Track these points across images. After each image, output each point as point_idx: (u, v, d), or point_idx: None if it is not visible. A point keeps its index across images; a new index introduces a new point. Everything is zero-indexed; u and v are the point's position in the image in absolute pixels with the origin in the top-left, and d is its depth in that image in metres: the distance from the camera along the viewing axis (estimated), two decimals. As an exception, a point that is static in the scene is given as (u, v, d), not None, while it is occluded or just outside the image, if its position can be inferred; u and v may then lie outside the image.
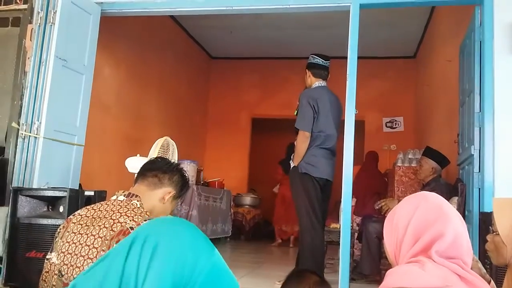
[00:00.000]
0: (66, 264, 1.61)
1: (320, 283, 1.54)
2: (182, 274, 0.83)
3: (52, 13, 3.78)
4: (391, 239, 1.28)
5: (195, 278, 0.83)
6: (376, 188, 6.13)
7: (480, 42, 3.48)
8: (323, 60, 4.02)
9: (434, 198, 1.28)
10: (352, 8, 3.69)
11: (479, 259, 1.64)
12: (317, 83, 3.98)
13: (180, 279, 0.82)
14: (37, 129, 3.65)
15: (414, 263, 1.16)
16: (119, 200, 1.77)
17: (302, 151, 3.79)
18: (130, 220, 1.64)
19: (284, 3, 3.87)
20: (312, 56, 4.05)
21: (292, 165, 3.88)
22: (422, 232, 1.21)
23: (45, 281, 1.65)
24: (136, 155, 4.17)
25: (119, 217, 1.65)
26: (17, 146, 3.72)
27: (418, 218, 1.23)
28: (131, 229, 1.60)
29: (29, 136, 3.67)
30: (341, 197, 3.57)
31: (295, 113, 4.09)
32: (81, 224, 1.68)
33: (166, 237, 0.87)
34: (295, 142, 3.98)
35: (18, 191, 3.29)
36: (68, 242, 1.65)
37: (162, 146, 3.98)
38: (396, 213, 1.30)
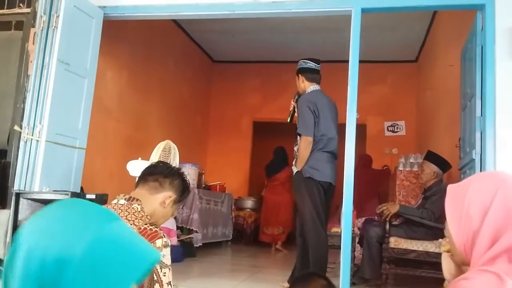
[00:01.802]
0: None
1: (328, 286, 1.54)
2: (64, 240, 0.74)
3: (55, 17, 3.80)
4: (460, 229, 1.07)
5: (79, 245, 0.73)
6: (376, 189, 6.15)
7: (482, 46, 3.49)
8: (315, 64, 4.06)
9: None
10: (354, 12, 3.70)
11: None
12: (312, 87, 4.00)
13: (61, 245, 0.73)
14: (39, 132, 3.66)
15: (491, 274, 0.97)
16: (120, 204, 1.77)
17: (305, 156, 3.79)
18: (131, 224, 1.64)
19: (286, 7, 3.89)
20: (304, 61, 4.09)
21: (295, 170, 3.87)
22: (503, 229, 1.01)
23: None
24: (137, 159, 4.19)
25: (120, 221, 1.65)
26: (19, 149, 3.73)
27: (498, 209, 1.02)
28: (132, 233, 1.60)
29: (31, 139, 3.68)
30: (341, 201, 3.57)
31: (288, 120, 4.11)
32: (82, 228, 1.68)
33: (36, 220, 0.78)
34: (295, 147, 3.98)
35: (19, 194, 3.31)
36: (69, 246, 1.65)
37: (164, 150, 4.00)
38: (467, 197, 1.07)
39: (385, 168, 6.54)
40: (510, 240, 1.00)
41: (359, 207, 5.67)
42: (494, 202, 1.04)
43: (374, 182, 6.22)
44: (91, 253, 0.73)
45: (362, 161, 6.31)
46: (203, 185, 6.80)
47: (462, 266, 1.14)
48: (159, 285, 1.55)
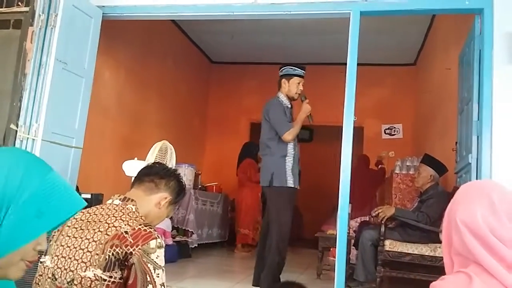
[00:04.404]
0: (60, 268, 1.61)
1: None
2: (6, 185, 0.86)
3: (54, 16, 3.79)
4: (446, 239, 1.15)
5: (22, 191, 0.87)
6: (375, 189, 6.15)
7: (480, 50, 3.49)
8: None
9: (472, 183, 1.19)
10: (352, 15, 3.70)
11: None
12: None
13: (4, 190, 0.86)
14: (35, 131, 3.65)
15: (462, 274, 1.03)
16: (115, 204, 1.77)
17: None
18: (125, 225, 1.64)
19: (284, 9, 3.88)
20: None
21: None
22: (449, 236, 1.10)
23: (38, 284, 1.65)
24: (133, 159, 4.18)
25: (114, 221, 1.65)
26: (15, 148, 3.71)
27: (445, 217, 1.14)
28: (126, 233, 1.60)
29: (27, 138, 3.67)
30: (337, 203, 3.57)
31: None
32: (76, 228, 1.68)
33: None
34: None
35: (15, 192, 3.29)
36: (63, 246, 1.65)
37: (160, 150, 3.99)
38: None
39: (380, 167, 6.54)
40: (456, 245, 1.07)
41: (358, 207, 5.66)
42: (447, 211, 1.15)
43: (373, 182, 6.23)
44: (34, 197, 0.87)
45: (362, 161, 6.31)
46: (199, 186, 6.79)
47: None
48: (153, 287, 1.55)
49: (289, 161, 3.94)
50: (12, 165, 0.90)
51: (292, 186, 3.90)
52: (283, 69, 4.24)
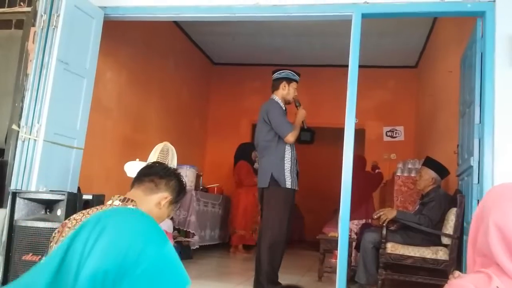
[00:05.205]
0: (60, 268, 1.60)
1: None
2: (127, 255, 0.84)
3: (55, 16, 3.80)
4: (471, 239, 1.14)
5: (140, 262, 0.85)
6: (370, 192, 6.13)
7: (481, 53, 3.49)
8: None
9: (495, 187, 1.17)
10: (354, 17, 3.70)
11: None
12: None
13: (124, 260, 0.84)
14: (37, 132, 3.65)
15: (482, 273, 1.03)
16: (115, 205, 1.76)
17: None
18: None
19: (286, 11, 3.89)
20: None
21: None
22: (474, 238, 1.10)
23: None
24: (135, 160, 4.17)
25: (115, 222, 1.64)
26: (17, 148, 3.72)
27: (472, 222, 1.13)
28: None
29: (29, 138, 3.67)
30: (339, 205, 3.56)
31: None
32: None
33: (116, 221, 0.89)
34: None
35: (16, 193, 3.29)
36: (63, 246, 1.64)
37: (162, 151, 3.99)
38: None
39: (377, 172, 6.52)
40: (479, 245, 1.06)
41: (352, 209, 5.63)
42: (477, 211, 1.14)
43: (368, 185, 6.20)
44: (149, 270, 0.84)
45: (358, 162, 6.29)
46: (201, 187, 6.79)
47: None
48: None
49: (288, 163, 3.94)
50: (135, 234, 0.87)
51: (290, 187, 3.90)
52: (283, 72, 4.26)
